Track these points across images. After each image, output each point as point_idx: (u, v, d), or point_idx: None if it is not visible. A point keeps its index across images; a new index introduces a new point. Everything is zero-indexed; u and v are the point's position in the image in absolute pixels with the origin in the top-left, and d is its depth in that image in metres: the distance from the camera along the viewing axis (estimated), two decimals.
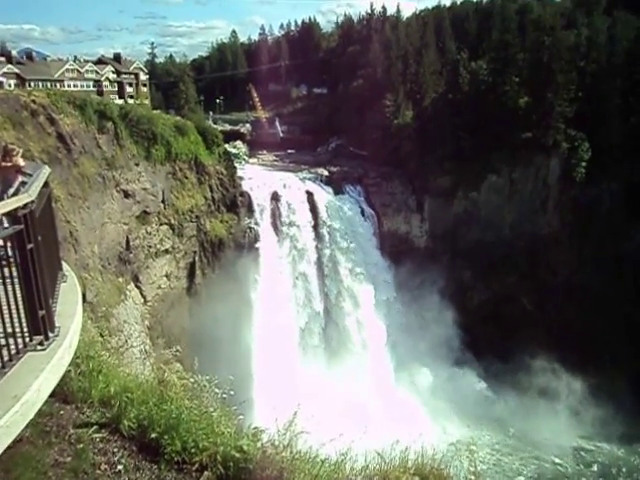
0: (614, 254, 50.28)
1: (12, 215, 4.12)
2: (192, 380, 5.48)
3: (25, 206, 4.20)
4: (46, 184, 5.45)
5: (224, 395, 5.53)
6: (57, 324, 4.64)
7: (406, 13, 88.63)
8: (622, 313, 48.76)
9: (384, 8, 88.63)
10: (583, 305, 49.50)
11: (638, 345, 45.93)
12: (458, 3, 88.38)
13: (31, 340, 4.22)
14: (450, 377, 47.61)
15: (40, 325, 4.29)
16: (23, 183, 5.86)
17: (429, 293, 48.58)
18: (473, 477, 5.48)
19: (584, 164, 52.06)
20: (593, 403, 44.34)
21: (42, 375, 3.91)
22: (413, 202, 55.63)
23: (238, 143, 69.27)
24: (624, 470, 41.69)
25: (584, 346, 45.97)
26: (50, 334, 4.42)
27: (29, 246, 4.17)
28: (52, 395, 5.08)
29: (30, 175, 5.72)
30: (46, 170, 5.51)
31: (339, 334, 49.10)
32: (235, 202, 44.98)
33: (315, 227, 48.34)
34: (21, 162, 6.19)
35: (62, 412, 5.18)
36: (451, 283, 50.50)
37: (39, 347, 4.25)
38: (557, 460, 42.85)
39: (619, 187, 52.27)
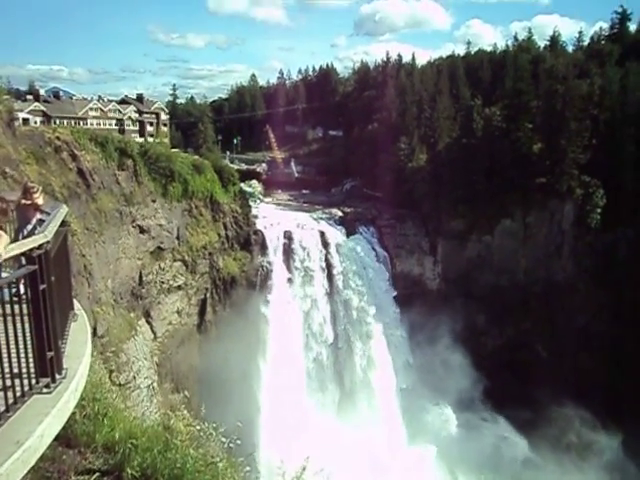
0: (632, 301, 49.16)
1: (27, 255, 4.12)
2: (198, 428, 5.33)
3: (40, 246, 4.21)
4: (63, 223, 5.48)
5: (231, 444, 5.36)
6: (65, 365, 4.57)
7: (421, 61, 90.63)
8: None
9: (399, 56, 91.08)
10: (601, 353, 48.16)
11: None
12: (472, 53, 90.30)
13: (37, 382, 4.14)
14: (464, 424, 46.10)
15: (48, 367, 4.21)
16: (41, 221, 5.91)
17: (442, 337, 47.71)
18: None
19: (599, 210, 51.71)
20: (612, 458, 42.48)
21: (46, 420, 3.81)
22: (426, 244, 55.46)
23: (254, 182, 70.25)
24: None
25: (602, 396, 44.44)
26: (57, 376, 4.33)
27: (42, 287, 4.15)
28: (55, 438, 4.96)
29: (48, 213, 5.77)
30: (64, 209, 5.56)
31: (349, 376, 48.14)
32: (249, 240, 45.22)
33: (327, 267, 48.19)
34: (40, 201, 6.26)
35: (64, 457, 5.04)
36: (464, 327, 49.62)
37: (45, 390, 4.16)
38: None
39: (635, 233, 51.63)
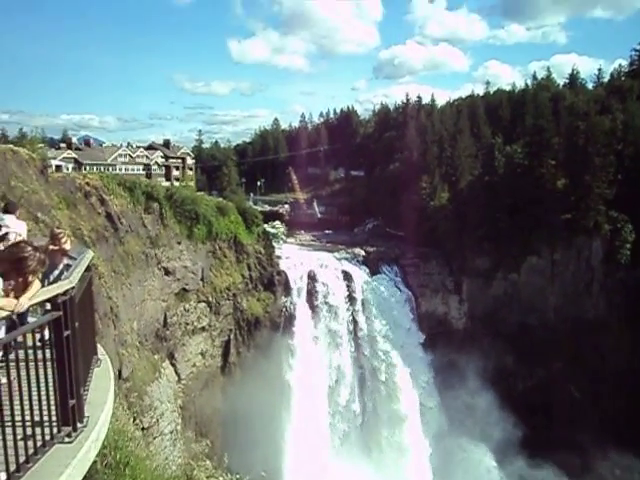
0: None
1: (52, 301, 4.15)
2: (221, 479, 5.17)
3: (65, 293, 4.24)
4: (88, 268, 5.55)
5: None
6: (87, 413, 4.52)
7: (440, 102, 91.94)
8: None
9: (419, 97, 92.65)
10: (636, 393, 45.92)
11: None
12: (491, 92, 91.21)
13: (59, 431, 4.09)
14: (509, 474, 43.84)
15: (69, 415, 4.17)
16: (67, 266, 6.00)
17: (469, 378, 46.25)
18: None
19: (628, 246, 50.51)
20: None
21: (67, 472, 3.73)
22: (451, 283, 54.62)
23: (277, 223, 70.94)
24: None
25: None
26: (79, 425, 4.28)
27: (66, 333, 4.16)
28: None
29: (75, 258, 5.86)
30: (89, 255, 5.64)
31: (375, 421, 46.74)
32: (272, 281, 45.24)
33: (351, 307, 47.71)
34: (67, 246, 6.39)
35: None
36: (493, 367, 48.09)
37: (66, 439, 4.11)
38: None
39: None
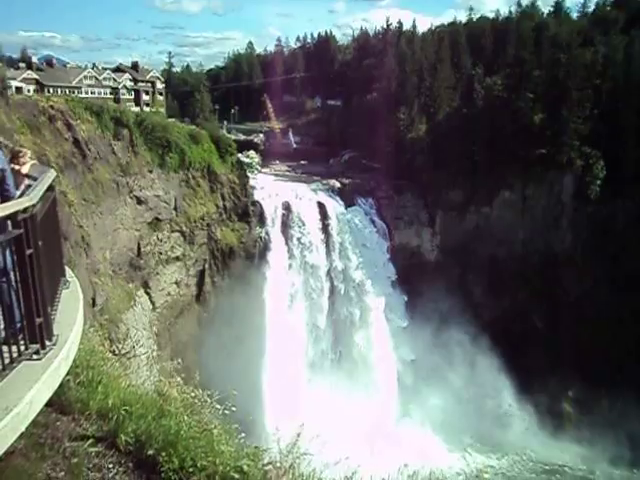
0: (629, 273, 49.36)
1: (11, 219, 3.99)
2: (193, 395, 5.29)
3: (25, 210, 4.07)
4: (51, 188, 5.33)
5: (226, 411, 5.33)
6: (56, 332, 4.49)
7: (422, 28, 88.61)
8: (636, 333, 47.70)
9: (400, 23, 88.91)
10: (596, 324, 48.58)
11: None
12: (474, 19, 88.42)
13: (27, 349, 4.06)
14: (461, 396, 46.67)
15: (37, 333, 4.13)
16: (29, 187, 5.75)
17: (439, 308, 48.03)
18: None
19: (599, 182, 51.46)
20: (605, 427, 43.39)
21: (36, 386, 3.74)
22: (425, 216, 55.32)
23: (251, 153, 69.48)
24: None
25: (597, 366, 45.11)
26: (47, 343, 4.26)
27: (28, 251, 4.03)
28: (49, 405, 4.91)
29: (36, 179, 5.61)
30: (51, 174, 5.39)
31: (347, 348, 48.65)
32: (247, 211, 45.02)
33: (326, 238, 48.16)
34: (28, 165, 6.08)
35: (58, 423, 5.01)
36: (461, 298, 49.90)
37: (35, 356, 4.09)
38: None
39: (634, 205, 51.47)
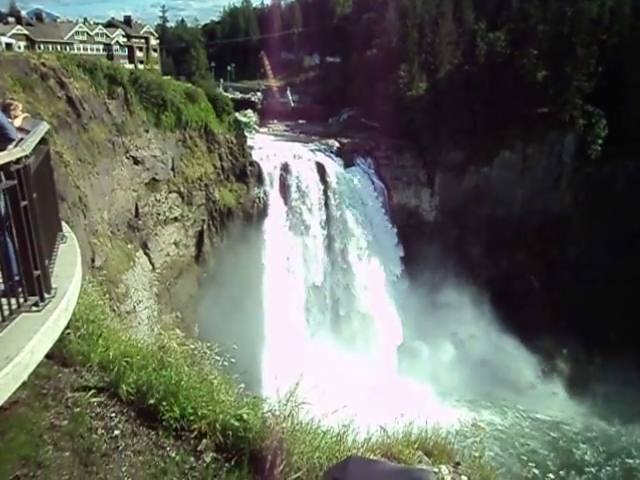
0: (626, 234, 49.51)
1: (4, 169, 3.93)
2: (192, 347, 5.37)
3: (18, 161, 4.01)
4: (45, 141, 5.24)
5: (225, 363, 5.42)
6: (54, 285, 4.50)
7: None
8: (630, 293, 48.26)
9: None
10: (592, 285, 49.07)
11: None
12: None
13: (26, 301, 4.09)
14: (459, 353, 47.48)
15: (35, 286, 4.14)
16: (22, 141, 5.65)
17: (437, 268, 48.40)
18: (477, 453, 5.37)
19: (600, 141, 50.93)
20: (599, 384, 44.57)
21: (36, 337, 3.78)
22: (424, 176, 54.96)
23: (249, 112, 68.44)
24: (625, 446, 42.00)
25: (591, 325, 45.86)
26: (46, 295, 4.28)
27: (23, 203, 3.99)
28: (50, 357, 5.00)
29: (29, 132, 5.50)
30: (44, 126, 5.29)
31: (346, 305, 49.26)
32: (245, 172, 44.65)
33: (325, 199, 48.01)
34: (20, 119, 5.96)
35: (60, 375, 5.10)
36: (459, 258, 50.26)
37: (34, 308, 4.12)
38: (556, 435, 43.23)
39: (634, 165, 51.11)
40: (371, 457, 4.44)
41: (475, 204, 53.41)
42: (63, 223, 6.08)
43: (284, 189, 46.33)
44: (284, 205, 46.13)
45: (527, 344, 46.96)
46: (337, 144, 53.85)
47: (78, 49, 68.23)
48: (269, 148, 49.84)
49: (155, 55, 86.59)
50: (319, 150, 51.88)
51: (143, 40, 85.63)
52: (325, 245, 48.22)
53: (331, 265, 48.60)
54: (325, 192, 47.99)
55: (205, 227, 42.37)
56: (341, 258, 49.02)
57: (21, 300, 4.06)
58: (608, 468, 39.55)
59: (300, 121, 69.13)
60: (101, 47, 75.37)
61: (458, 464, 5.29)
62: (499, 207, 52.74)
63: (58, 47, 64.03)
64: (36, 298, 4.14)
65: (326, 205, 48.06)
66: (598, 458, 40.66)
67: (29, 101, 27.86)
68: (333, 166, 49.84)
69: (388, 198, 53.15)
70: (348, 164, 51.59)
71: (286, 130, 65.25)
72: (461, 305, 47.03)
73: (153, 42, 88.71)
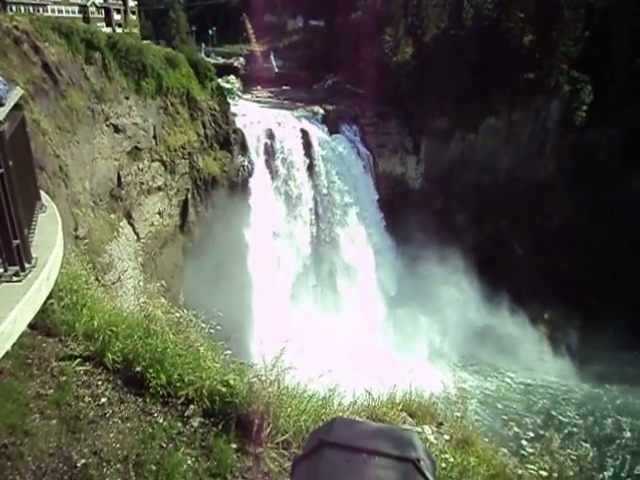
0: (609, 200, 50.13)
1: None
2: (178, 315, 5.37)
3: None
4: (19, 106, 5.06)
5: (211, 330, 5.44)
6: (35, 255, 4.43)
7: None
8: (611, 259, 49.22)
9: None
10: (575, 251, 49.91)
11: (623, 289, 46.79)
12: None
13: (6, 271, 4.02)
14: (445, 318, 48.23)
15: (15, 255, 4.07)
16: None
17: (422, 235, 48.68)
18: (460, 414, 5.52)
19: (585, 108, 50.93)
20: (576, 346, 45.87)
21: (18, 307, 3.74)
22: (409, 143, 54.71)
23: (231, 78, 66.86)
24: (599, 406, 43.63)
25: (574, 290, 46.88)
26: (27, 265, 4.21)
27: None
28: (34, 328, 4.96)
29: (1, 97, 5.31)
30: (18, 91, 5.10)
31: (331, 271, 49.61)
32: (228, 139, 43.97)
33: (310, 166, 47.68)
34: None
35: (45, 345, 5.08)
36: (444, 226, 50.59)
37: (15, 278, 4.06)
38: (537, 397, 44.65)
39: (618, 132, 51.29)
40: (356, 419, 4.54)
41: (460, 171, 53.52)
42: (42, 192, 5.94)
43: (269, 157, 45.86)
44: (269, 173, 45.74)
45: (512, 309, 47.95)
46: (322, 111, 53.10)
47: (52, 11, 65.61)
48: (253, 115, 49.03)
49: (134, 18, 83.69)
50: (304, 117, 51.16)
51: (120, 2, 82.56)
52: (311, 210, 48.17)
53: (317, 230, 48.70)
54: (310, 159, 47.62)
55: (189, 196, 41.92)
56: (326, 223, 49.11)
57: (1, 270, 3.99)
58: (587, 427, 41.08)
59: (284, 87, 67.88)
60: (77, 9, 72.46)
61: (441, 424, 5.45)
62: (484, 174, 52.89)
63: (31, 9, 61.57)
64: (16, 268, 4.07)
65: (311, 172, 47.77)
66: (577, 418, 42.15)
67: (2, 67, 26.89)
68: (318, 133, 49.35)
69: (374, 165, 52.94)
70: (333, 131, 51.10)
71: (270, 97, 64.08)
72: (446, 271, 47.61)
73: (131, 4, 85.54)
